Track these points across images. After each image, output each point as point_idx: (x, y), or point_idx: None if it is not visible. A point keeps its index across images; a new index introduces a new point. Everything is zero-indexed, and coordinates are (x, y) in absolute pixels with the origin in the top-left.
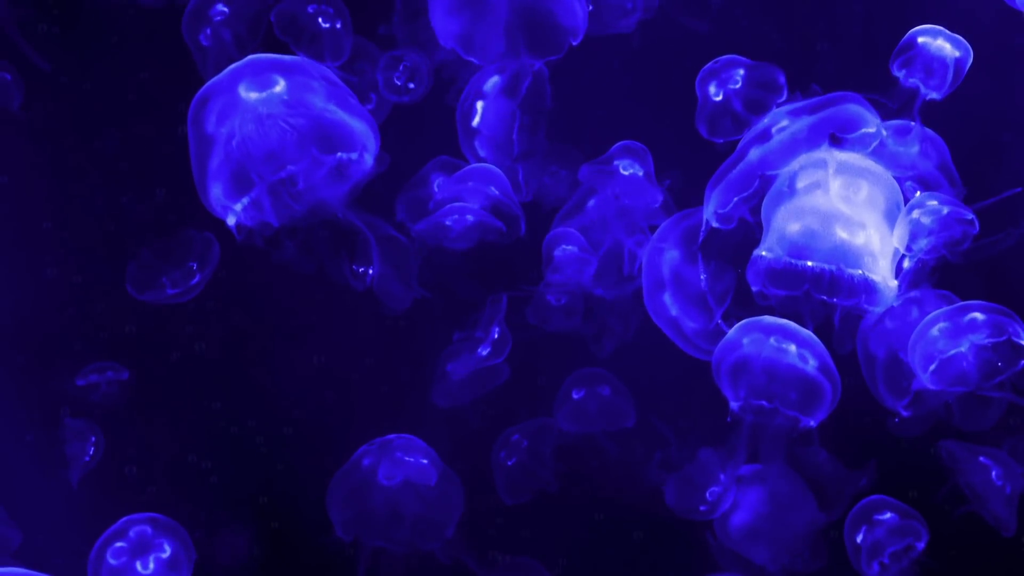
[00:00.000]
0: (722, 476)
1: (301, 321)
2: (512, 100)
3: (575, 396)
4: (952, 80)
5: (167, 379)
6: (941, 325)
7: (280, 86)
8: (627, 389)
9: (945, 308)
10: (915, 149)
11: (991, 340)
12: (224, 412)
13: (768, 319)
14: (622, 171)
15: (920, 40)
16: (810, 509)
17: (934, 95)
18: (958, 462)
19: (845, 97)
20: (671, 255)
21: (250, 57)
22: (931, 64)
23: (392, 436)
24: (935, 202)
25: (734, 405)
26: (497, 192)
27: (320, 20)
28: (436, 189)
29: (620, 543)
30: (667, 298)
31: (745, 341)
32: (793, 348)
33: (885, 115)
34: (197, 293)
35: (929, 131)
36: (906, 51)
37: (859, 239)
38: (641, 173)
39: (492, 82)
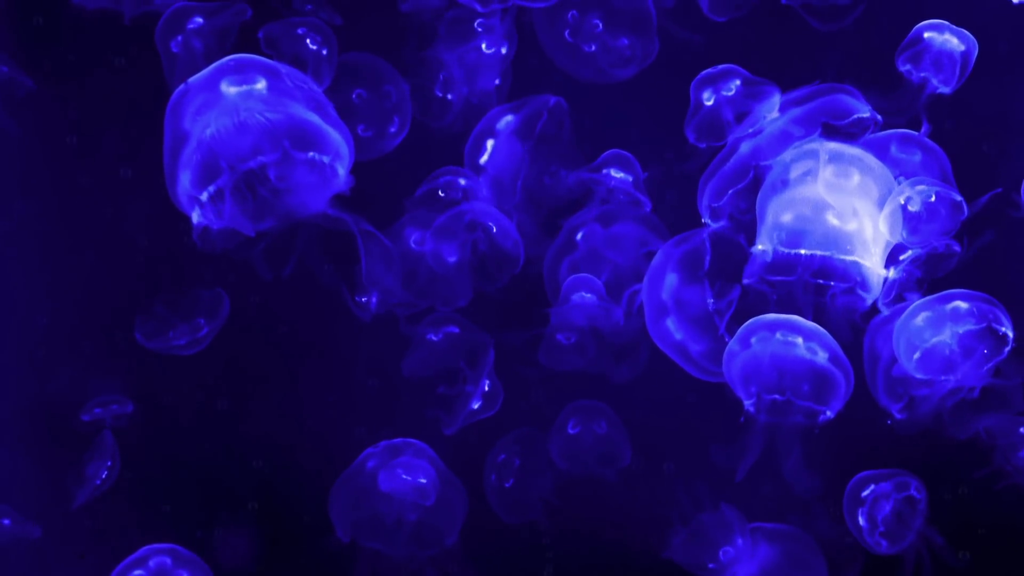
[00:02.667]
0: (738, 539)
1: (304, 324)
2: (524, 143)
3: (570, 430)
4: (960, 74)
5: (169, 380)
6: (924, 314)
7: (261, 84)
8: (625, 426)
9: (928, 297)
10: (917, 158)
11: (974, 328)
12: (224, 413)
13: (771, 316)
14: (612, 176)
15: (927, 35)
16: (820, 572)
17: (944, 89)
18: (997, 437)
19: (835, 87)
20: (670, 279)
21: (235, 55)
22: (940, 59)
23: (398, 440)
24: (923, 186)
25: (747, 404)
26: (495, 230)
27: (308, 41)
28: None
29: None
30: (670, 323)
31: (753, 340)
32: (800, 340)
33: (891, 118)
34: (205, 346)
35: (931, 143)
36: (913, 46)
37: (851, 225)
38: (630, 180)
39: (505, 121)
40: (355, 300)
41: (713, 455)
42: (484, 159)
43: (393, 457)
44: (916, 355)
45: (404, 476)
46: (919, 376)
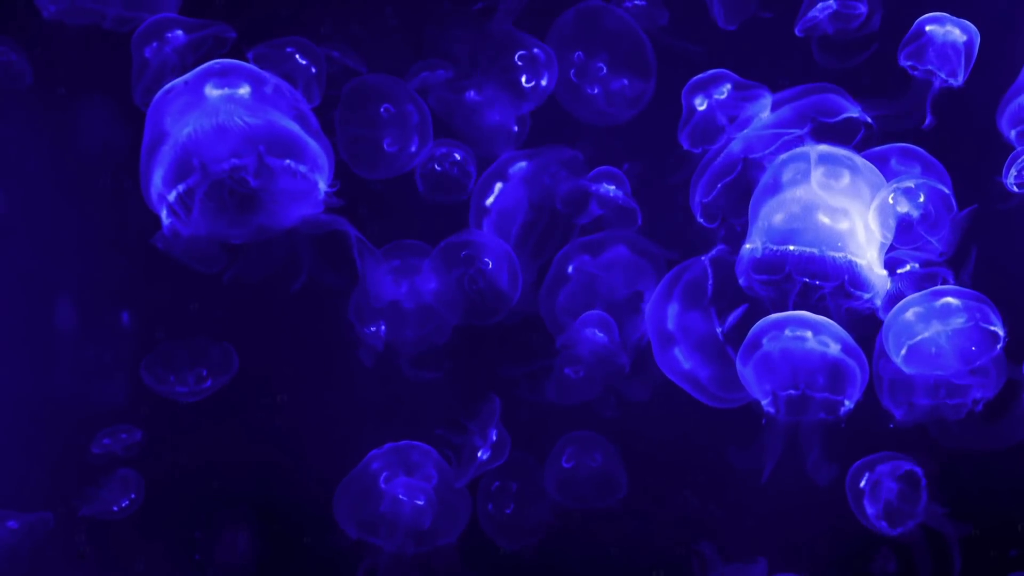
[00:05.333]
0: None
1: (305, 328)
2: (530, 190)
3: (564, 464)
4: (965, 64)
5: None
6: (915, 309)
7: (244, 89)
8: (621, 458)
9: (919, 293)
10: (916, 171)
11: (963, 325)
12: (226, 414)
13: (778, 315)
14: (603, 189)
15: (928, 28)
16: None
17: (952, 81)
18: None
19: (825, 87)
20: (672, 308)
21: (222, 60)
22: (944, 51)
23: (403, 443)
24: (911, 182)
25: (765, 403)
26: (491, 265)
27: (297, 57)
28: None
29: None
30: (678, 352)
31: (764, 341)
32: (810, 334)
33: (900, 121)
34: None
35: (930, 157)
36: (915, 40)
37: (842, 225)
38: (621, 194)
39: (519, 166)
40: (365, 330)
41: (731, 458)
42: (490, 201)
43: (398, 460)
44: (903, 351)
45: (402, 497)
46: (907, 370)
